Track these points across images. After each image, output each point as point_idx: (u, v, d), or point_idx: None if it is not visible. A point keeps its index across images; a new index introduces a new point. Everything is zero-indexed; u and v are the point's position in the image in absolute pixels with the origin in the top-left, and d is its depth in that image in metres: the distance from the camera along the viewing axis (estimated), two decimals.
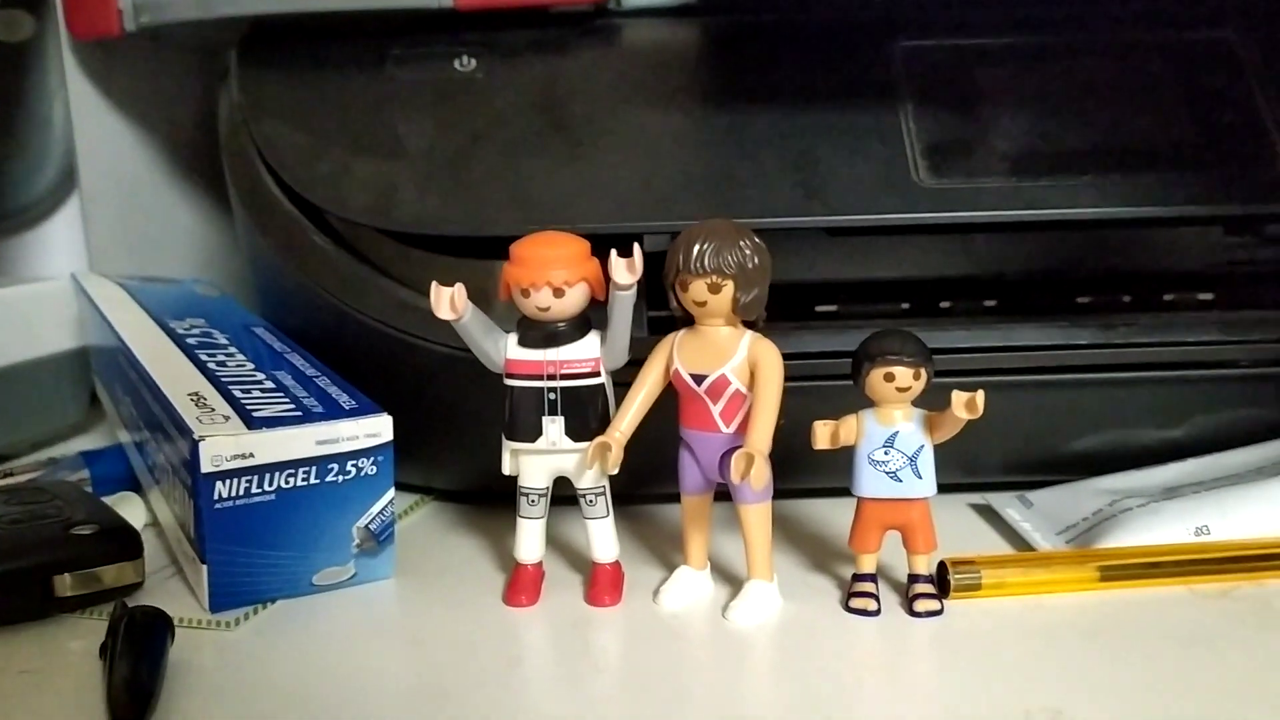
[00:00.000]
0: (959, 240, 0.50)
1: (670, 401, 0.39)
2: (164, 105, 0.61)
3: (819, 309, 0.48)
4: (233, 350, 0.46)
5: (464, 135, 0.47)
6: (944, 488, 0.40)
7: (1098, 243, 0.50)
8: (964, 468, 0.46)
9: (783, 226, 0.45)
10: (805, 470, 0.43)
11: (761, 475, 0.35)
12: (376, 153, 0.47)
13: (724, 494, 0.39)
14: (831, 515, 0.45)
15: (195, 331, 0.48)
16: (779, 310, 0.44)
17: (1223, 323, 0.45)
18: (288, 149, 0.47)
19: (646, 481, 0.44)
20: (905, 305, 0.48)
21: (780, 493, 0.39)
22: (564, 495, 0.40)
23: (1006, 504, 0.45)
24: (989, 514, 0.46)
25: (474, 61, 0.49)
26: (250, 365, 0.44)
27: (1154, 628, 0.36)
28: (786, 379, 0.38)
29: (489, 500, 0.48)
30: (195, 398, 0.40)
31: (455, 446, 0.47)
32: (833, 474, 0.40)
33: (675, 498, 0.40)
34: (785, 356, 0.38)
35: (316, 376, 0.43)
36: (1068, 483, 0.45)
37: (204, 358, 0.44)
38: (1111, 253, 0.50)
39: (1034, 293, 0.48)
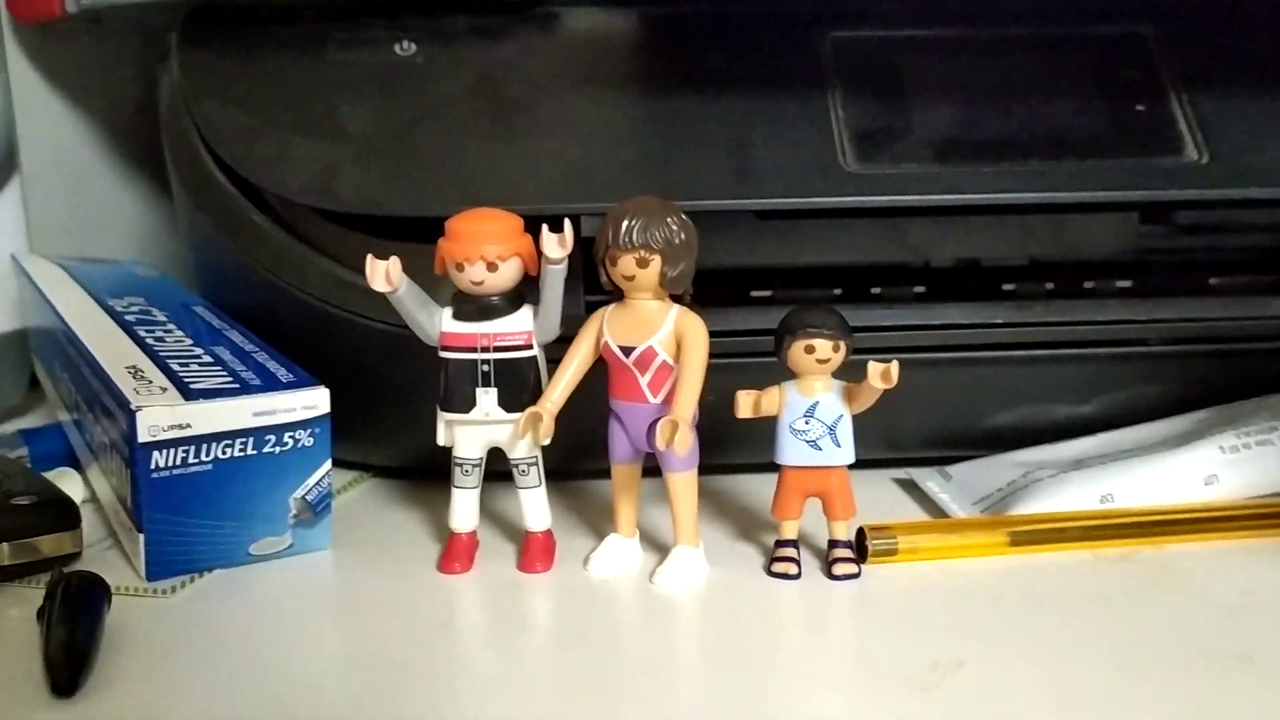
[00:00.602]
0: (889, 227, 0.51)
1: (601, 380, 0.40)
2: (106, 88, 0.61)
3: (754, 294, 0.49)
4: (171, 327, 0.46)
5: (404, 118, 0.48)
6: (868, 462, 0.42)
7: (1024, 231, 0.52)
8: (887, 442, 0.48)
9: (715, 209, 0.46)
10: (732, 445, 0.45)
11: (685, 442, 0.36)
12: (317, 134, 0.47)
13: (654, 469, 0.40)
14: (757, 489, 0.47)
15: (134, 309, 0.48)
16: (715, 294, 0.46)
17: (1131, 304, 0.47)
18: (228, 129, 0.48)
19: (579, 457, 0.45)
20: (837, 291, 0.50)
21: (708, 467, 0.41)
22: (498, 470, 0.41)
23: (927, 477, 0.47)
24: (910, 487, 0.48)
25: (414, 46, 0.50)
26: (189, 341, 0.45)
27: (1058, 588, 0.38)
28: (715, 355, 0.39)
29: (427, 476, 0.49)
30: (133, 371, 0.41)
31: (393, 423, 0.48)
32: (759, 449, 0.42)
33: (606, 473, 0.41)
34: (714, 334, 0.39)
35: (255, 351, 0.44)
36: (985, 457, 0.47)
37: (142, 333, 0.45)
38: (1036, 241, 0.52)
39: (961, 279, 0.50)
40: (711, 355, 0.39)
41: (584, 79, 0.49)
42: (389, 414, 0.47)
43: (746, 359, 0.44)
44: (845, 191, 0.47)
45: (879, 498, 0.46)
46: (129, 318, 0.47)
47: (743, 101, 0.48)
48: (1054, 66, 0.51)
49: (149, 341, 0.44)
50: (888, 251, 0.51)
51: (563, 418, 0.39)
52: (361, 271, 0.38)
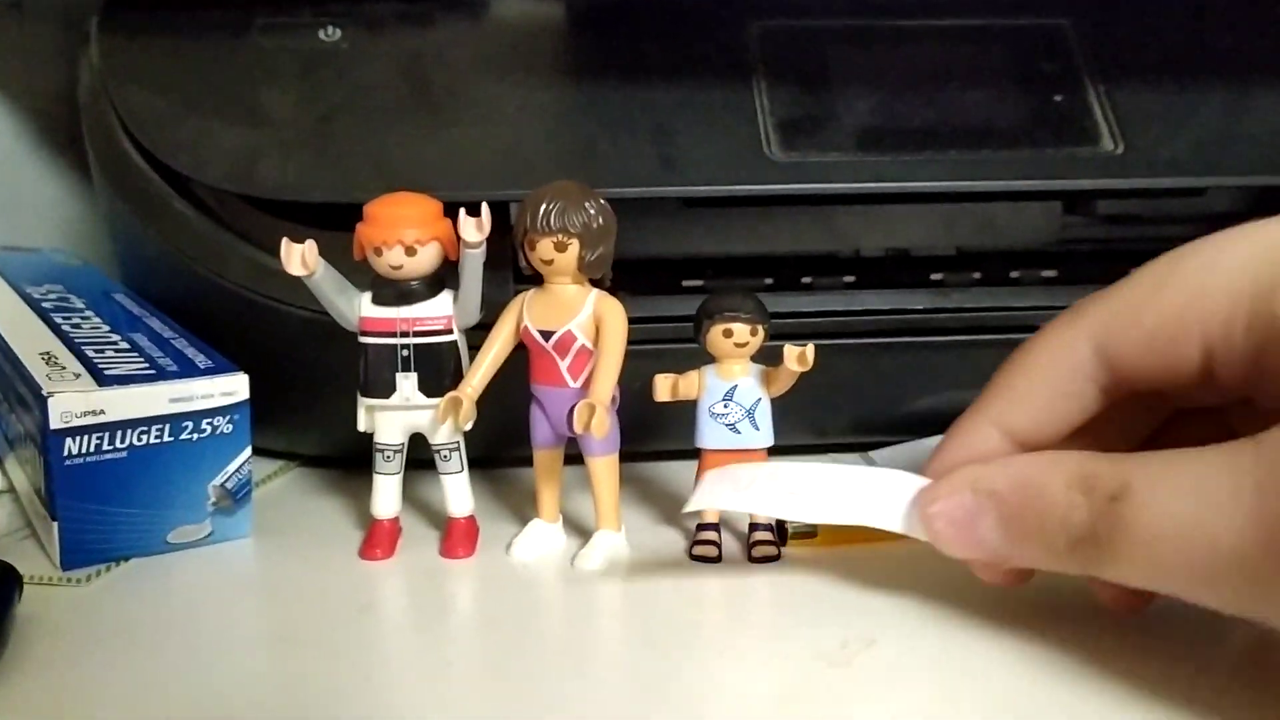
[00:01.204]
0: (814, 216, 0.52)
1: (522, 366, 0.40)
2: (26, 77, 0.61)
3: (685, 284, 0.49)
4: (89, 314, 0.46)
5: (328, 104, 0.48)
6: (795, 448, 0.42)
7: (949, 221, 0.53)
8: (814, 429, 0.49)
9: (640, 195, 0.46)
10: (655, 432, 0.45)
11: (603, 425, 0.36)
12: (239, 120, 0.47)
13: (577, 455, 0.40)
14: (678, 475, 0.47)
15: (52, 296, 0.48)
16: (641, 283, 0.46)
17: (1052, 291, 0.47)
18: (148, 114, 0.47)
19: (501, 444, 0.45)
20: (769, 280, 0.50)
21: (631, 455, 0.41)
22: (421, 458, 0.41)
23: (850, 462, 0.47)
24: None
25: (339, 32, 0.50)
26: (106, 328, 0.44)
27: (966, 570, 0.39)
28: (638, 342, 0.39)
29: (351, 465, 0.48)
30: (46, 357, 0.40)
31: (317, 411, 0.47)
32: (681, 435, 0.42)
33: (529, 460, 0.41)
34: (638, 321, 0.39)
35: (173, 338, 0.43)
36: (908, 441, 0.48)
37: (58, 320, 0.44)
38: (962, 231, 0.53)
39: (889, 269, 0.51)
40: (634, 342, 0.39)
41: (510, 66, 0.49)
42: (312, 401, 0.47)
43: (670, 345, 0.44)
44: (770, 180, 0.47)
45: None
46: (45, 305, 0.46)
47: (668, 90, 0.49)
48: (975, 57, 0.51)
49: (65, 329, 0.43)
50: (813, 240, 0.51)
51: (484, 404, 0.39)
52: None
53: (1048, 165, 0.49)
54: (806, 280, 0.51)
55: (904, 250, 0.53)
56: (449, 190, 0.44)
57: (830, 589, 0.37)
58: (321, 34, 0.50)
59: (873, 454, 0.48)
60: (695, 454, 0.41)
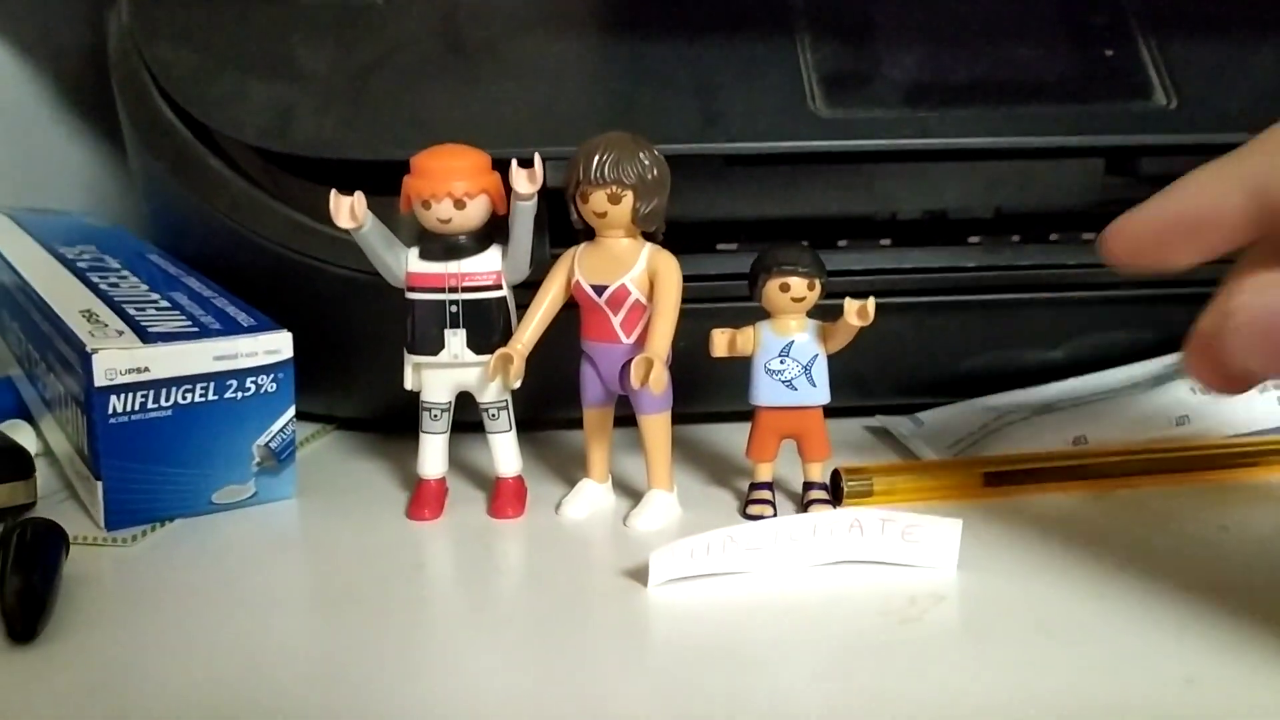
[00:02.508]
0: (853, 178, 0.51)
1: (572, 325, 0.39)
2: (52, 36, 0.59)
3: (720, 247, 0.48)
4: (125, 273, 0.45)
5: (364, 61, 0.47)
6: (839, 410, 0.41)
7: (989, 182, 0.52)
8: (858, 389, 0.48)
9: (681, 153, 0.45)
10: (704, 393, 0.44)
11: (660, 380, 0.35)
12: (273, 76, 0.46)
13: (627, 418, 0.39)
14: (729, 437, 0.46)
15: (86, 257, 0.47)
16: (682, 242, 0.45)
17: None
18: (181, 71, 0.46)
19: (550, 404, 0.44)
20: (804, 242, 0.49)
21: (680, 416, 0.40)
22: (469, 421, 0.40)
23: (899, 424, 0.47)
24: (882, 434, 0.47)
25: None
26: (144, 287, 0.43)
27: (1035, 527, 0.38)
28: (686, 301, 0.38)
29: (394, 427, 0.48)
30: (88, 315, 0.39)
31: (358, 372, 0.47)
32: (731, 396, 0.41)
33: (578, 423, 0.41)
34: (686, 279, 0.39)
35: (213, 297, 0.43)
36: (956, 403, 0.47)
37: (95, 279, 0.43)
38: (1003, 192, 0.51)
39: (927, 232, 0.50)
40: (681, 301, 0.38)
41: (550, 21, 0.48)
42: (353, 363, 0.46)
43: (717, 304, 0.44)
44: (815, 136, 0.46)
45: (851, 444, 0.46)
46: (81, 264, 0.45)
47: (710, 44, 0.48)
48: (1023, 10, 0.50)
49: (103, 288, 0.43)
50: (848, 202, 0.50)
51: (533, 364, 0.38)
52: (322, 216, 0.37)
53: (1099, 120, 0.48)
54: (841, 244, 0.50)
55: (942, 212, 0.52)
56: (488, 147, 0.43)
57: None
58: None
59: (920, 415, 0.47)
60: (744, 415, 0.40)
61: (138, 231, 0.53)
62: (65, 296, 0.41)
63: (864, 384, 0.48)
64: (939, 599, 0.33)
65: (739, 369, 0.39)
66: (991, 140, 0.47)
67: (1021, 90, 0.48)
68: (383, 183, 0.41)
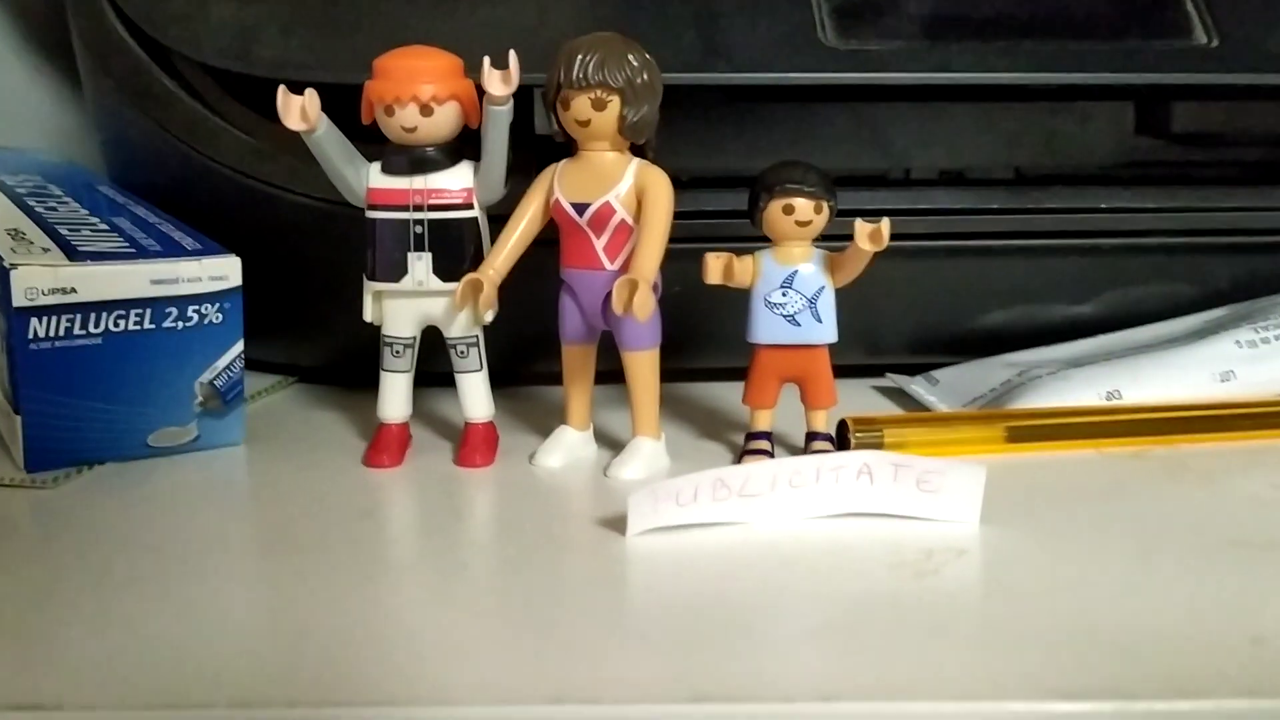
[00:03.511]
0: (864, 130, 0.47)
1: (554, 265, 0.35)
2: None
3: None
4: (68, 200, 0.41)
5: None
6: (846, 369, 0.37)
7: (1009, 139, 0.48)
8: (867, 346, 0.44)
9: (681, 83, 0.41)
10: (696, 347, 0.41)
11: (646, 304, 0.31)
12: None
13: (609, 374, 0.35)
14: (727, 395, 0.42)
15: (28, 184, 0.43)
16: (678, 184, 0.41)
17: (1138, 191, 0.43)
18: None
19: (528, 355, 0.41)
20: None
21: (669, 373, 0.36)
22: (435, 371, 0.36)
23: (912, 383, 0.42)
24: (894, 394, 0.43)
25: None
26: (85, 211, 0.39)
27: (1064, 483, 0.34)
28: (679, 240, 0.34)
29: (360, 380, 0.44)
30: (13, 233, 0.36)
31: (320, 314, 0.43)
32: (726, 350, 0.37)
33: (556, 377, 0.37)
34: (679, 216, 0.35)
35: (159, 223, 0.39)
36: (972, 360, 0.43)
37: (32, 204, 0.40)
38: (1022, 151, 0.48)
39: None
40: (672, 239, 0.34)
41: None
42: (315, 303, 0.42)
43: (713, 244, 0.40)
44: (824, 68, 0.42)
45: (859, 404, 0.42)
46: (20, 190, 0.42)
47: None
48: None
49: (38, 210, 0.39)
50: (859, 159, 0.46)
51: (509, 306, 0.35)
52: (280, 139, 0.33)
53: (1132, 58, 0.44)
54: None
55: (958, 171, 0.48)
56: (470, 73, 0.39)
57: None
58: None
59: (935, 374, 0.43)
60: (740, 373, 0.36)
61: (94, 169, 0.49)
62: None
63: (873, 339, 0.44)
64: (959, 553, 0.29)
65: (736, 319, 0.35)
66: (1015, 76, 0.43)
67: (1048, 25, 0.44)
68: (352, 113, 0.37)
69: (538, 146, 0.39)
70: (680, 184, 0.35)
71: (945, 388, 0.41)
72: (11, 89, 0.57)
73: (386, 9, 0.42)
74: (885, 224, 0.32)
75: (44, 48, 0.57)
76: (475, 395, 0.36)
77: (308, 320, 0.43)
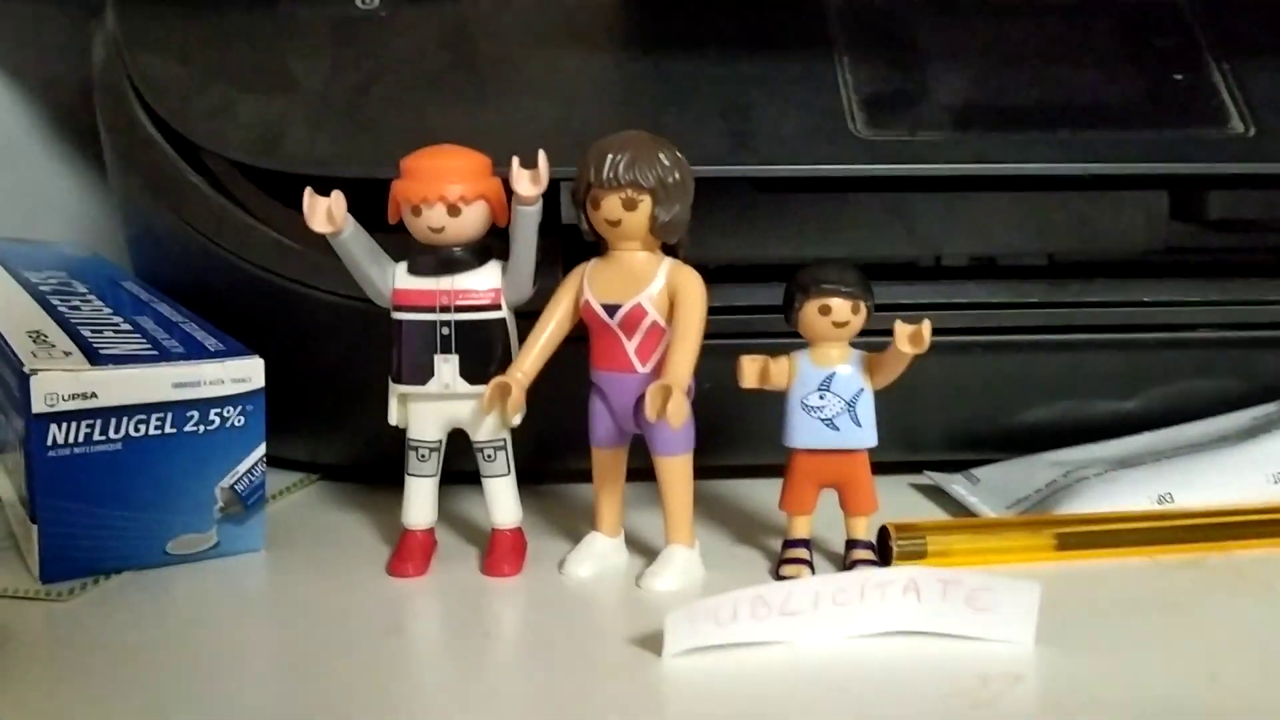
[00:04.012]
0: (893, 217, 0.46)
1: (582, 361, 0.34)
2: (44, 64, 0.56)
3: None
4: (91, 298, 0.41)
5: (363, 74, 0.43)
6: (882, 466, 0.36)
7: (1042, 226, 0.47)
8: (903, 442, 0.43)
9: (710, 175, 0.41)
10: (733, 443, 0.39)
11: (680, 411, 0.30)
12: (264, 89, 0.42)
13: (640, 471, 0.34)
14: (762, 494, 0.41)
15: (52, 282, 0.43)
16: (714, 270, 0.40)
17: (1181, 284, 0.41)
18: (165, 82, 0.43)
19: (556, 453, 0.40)
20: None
21: (702, 470, 0.35)
22: (461, 470, 0.35)
23: (952, 481, 0.41)
24: (932, 492, 0.42)
25: (377, 0, 0.45)
26: (108, 310, 0.39)
27: (1120, 595, 0.33)
28: (712, 336, 0.33)
29: (384, 478, 0.43)
30: (35, 335, 0.35)
31: (344, 412, 0.42)
32: (761, 447, 0.36)
33: (585, 475, 0.35)
34: (711, 312, 0.34)
35: (183, 322, 0.38)
36: (1016, 458, 0.42)
37: (55, 302, 0.39)
38: (1057, 237, 0.47)
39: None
40: (705, 333, 0.33)
41: (565, 35, 0.44)
42: (339, 401, 0.41)
43: (746, 340, 0.39)
44: (856, 159, 0.41)
45: (897, 503, 0.40)
46: (44, 289, 0.41)
47: (739, 61, 0.44)
48: (1084, 29, 0.46)
49: (61, 310, 0.38)
50: (889, 246, 0.46)
51: (537, 403, 0.34)
52: (305, 237, 0.33)
53: (1167, 148, 0.43)
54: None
55: (990, 259, 0.47)
56: (497, 167, 0.39)
57: None
58: (358, 2, 0.45)
59: (975, 472, 0.41)
60: (775, 470, 0.35)
61: (119, 261, 0.49)
62: (15, 319, 0.37)
63: (910, 436, 0.43)
64: (1015, 679, 0.27)
65: (771, 415, 0.34)
66: (1048, 167, 0.42)
67: (1083, 114, 0.43)
68: (379, 207, 0.36)
69: (564, 235, 0.38)
70: (707, 273, 0.34)
71: (987, 487, 0.40)
72: (40, 180, 0.57)
73: (413, 103, 0.42)
74: (926, 326, 0.31)
75: (73, 139, 0.58)
76: (503, 501, 0.35)
77: (331, 418, 0.42)
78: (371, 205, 0.35)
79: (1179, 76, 0.45)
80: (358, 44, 0.44)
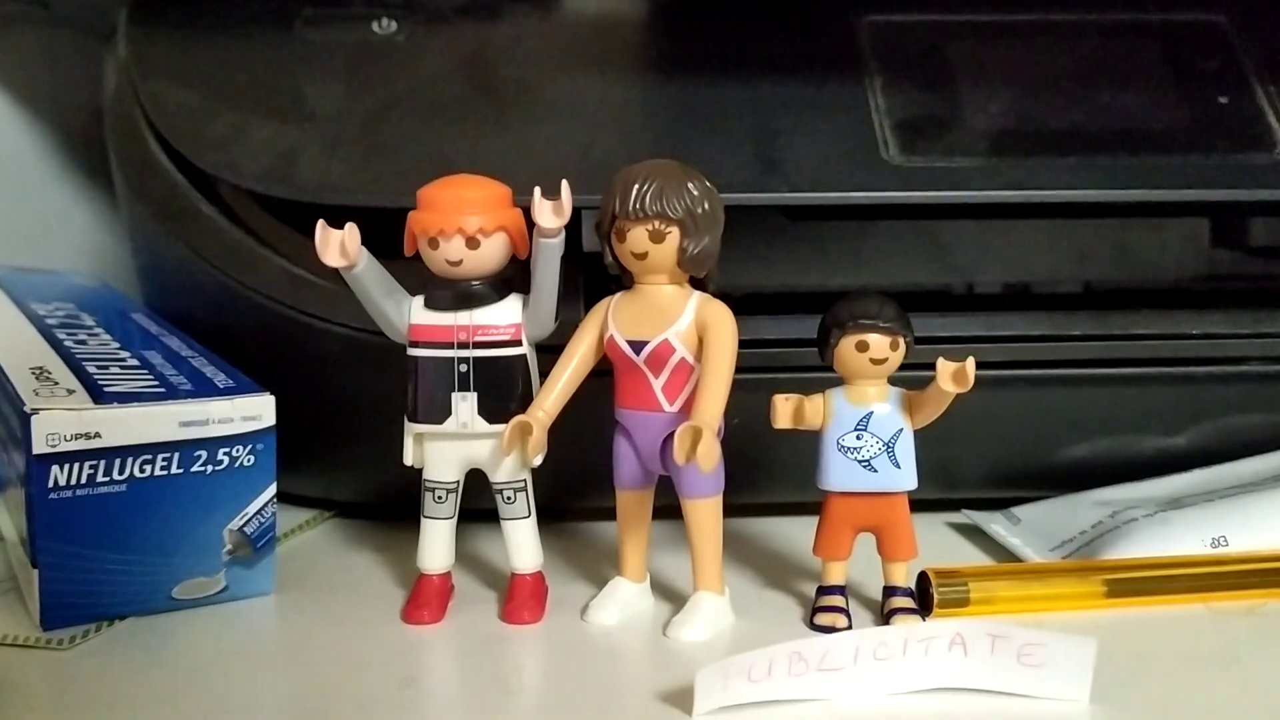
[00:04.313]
0: (925, 245, 0.45)
1: (605, 395, 0.33)
2: (56, 91, 0.55)
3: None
4: (98, 331, 0.39)
5: (379, 100, 0.42)
6: (918, 504, 0.34)
7: (1081, 251, 0.45)
8: (940, 480, 0.41)
9: (738, 203, 0.39)
10: (764, 481, 0.38)
11: (711, 453, 0.29)
12: (278, 117, 0.41)
13: (666, 508, 0.33)
14: (794, 534, 0.39)
15: (59, 314, 0.41)
16: (733, 307, 0.39)
17: (1232, 316, 0.40)
18: (176, 109, 0.41)
19: (578, 491, 0.38)
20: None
21: (730, 508, 0.34)
22: (478, 508, 0.34)
23: (991, 520, 0.39)
24: (971, 532, 0.40)
25: (394, 24, 0.44)
26: (115, 344, 0.38)
27: (1172, 648, 0.31)
28: (742, 370, 0.32)
29: (397, 516, 0.41)
30: (38, 372, 0.34)
31: (358, 448, 0.40)
32: (794, 484, 0.35)
33: (611, 513, 0.34)
34: (742, 346, 0.32)
35: (192, 357, 0.37)
36: (1059, 496, 0.40)
37: (61, 336, 0.38)
38: (1095, 263, 0.45)
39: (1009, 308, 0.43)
40: (736, 366, 0.32)
41: (588, 60, 0.43)
42: (353, 436, 0.40)
43: (778, 374, 0.37)
44: (888, 186, 0.40)
45: (934, 543, 0.39)
46: (50, 321, 0.40)
47: (768, 87, 0.42)
48: (1123, 53, 0.44)
49: (67, 344, 0.37)
50: (921, 273, 0.44)
51: (558, 439, 0.32)
52: (319, 268, 0.32)
53: (1210, 173, 0.41)
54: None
55: (1024, 286, 0.45)
56: (517, 195, 0.38)
57: None
58: (375, 26, 0.44)
59: (1016, 511, 0.40)
60: (809, 508, 0.33)
61: (128, 291, 0.48)
62: (20, 353, 0.36)
63: (948, 473, 0.41)
64: None
65: (805, 449, 0.33)
66: (1086, 194, 0.40)
67: (1121, 139, 0.42)
68: (396, 236, 0.35)
69: (585, 264, 0.37)
70: (735, 302, 0.33)
71: (1029, 528, 0.38)
72: (50, 208, 0.56)
73: (431, 130, 0.40)
74: (970, 364, 0.30)
75: (84, 167, 0.57)
76: (523, 544, 0.33)
77: (346, 454, 0.41)
78: (388, 234, 0.34)
79: (1223, 100, 0.43)
80: (374, 69, 0.43)
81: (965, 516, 0.40)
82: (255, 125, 0.41)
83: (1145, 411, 0.40)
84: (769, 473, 0.38)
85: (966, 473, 0.41)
